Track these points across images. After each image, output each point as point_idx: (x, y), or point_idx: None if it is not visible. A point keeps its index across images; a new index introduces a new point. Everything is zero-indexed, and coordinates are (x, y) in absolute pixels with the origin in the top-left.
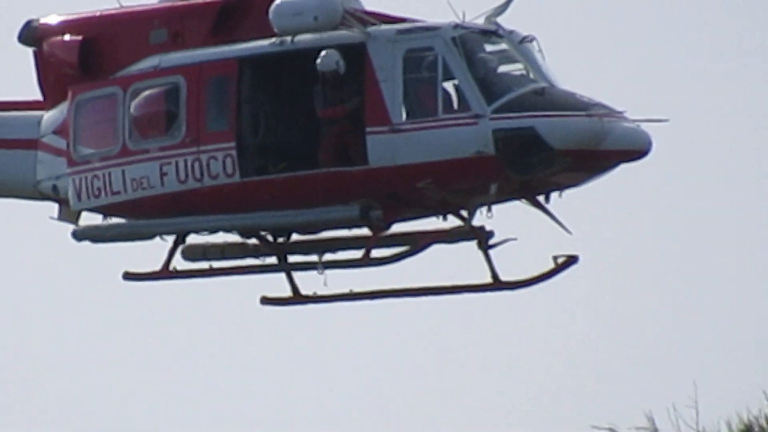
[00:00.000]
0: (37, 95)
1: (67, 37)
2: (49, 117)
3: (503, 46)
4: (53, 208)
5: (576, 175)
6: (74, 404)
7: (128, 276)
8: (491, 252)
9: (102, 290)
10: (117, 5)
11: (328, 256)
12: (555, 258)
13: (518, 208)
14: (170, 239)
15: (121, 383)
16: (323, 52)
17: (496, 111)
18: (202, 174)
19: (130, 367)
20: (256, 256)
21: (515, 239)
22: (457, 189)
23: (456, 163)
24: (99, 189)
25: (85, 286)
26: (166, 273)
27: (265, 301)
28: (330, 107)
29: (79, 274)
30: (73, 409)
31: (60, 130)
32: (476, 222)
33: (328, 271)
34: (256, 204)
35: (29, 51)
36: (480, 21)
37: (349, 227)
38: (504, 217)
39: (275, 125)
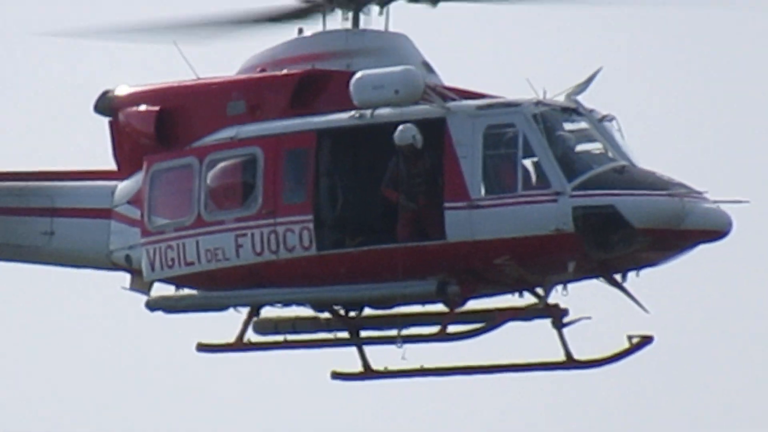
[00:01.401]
0: (110, 165)
1: (143, 107)
2: (124, 187)
3: (583, 124)
4: (125, 278)
5: (655, 255)
6: None
7: (202, 347)
8: (565, 330)
9: (175, 361)
10: (194, 76)
11: (404, 332)
12: (630, 338)
13: (594, 286)
14: (244, 311)
15: None
16: (401, 126)
17: (576, 188)
18: (278, 246)
19: None
20: (328, 330)
21: (589, 318)
22: (535, 266)
23: (535, 240)
24: (173, 259)
25: (157, 356)
26: (240, 345)
27: (336, 376)
28: (389, 189)
29: (152, 344)
30: None
31: (134, 200)
32: (551, 299)
33: (413, 346)
34: (331, 277)
35: (104, 120)
36: (560, 98)
37: (425, 302)
38: (579, 295)
39: (352, 198)
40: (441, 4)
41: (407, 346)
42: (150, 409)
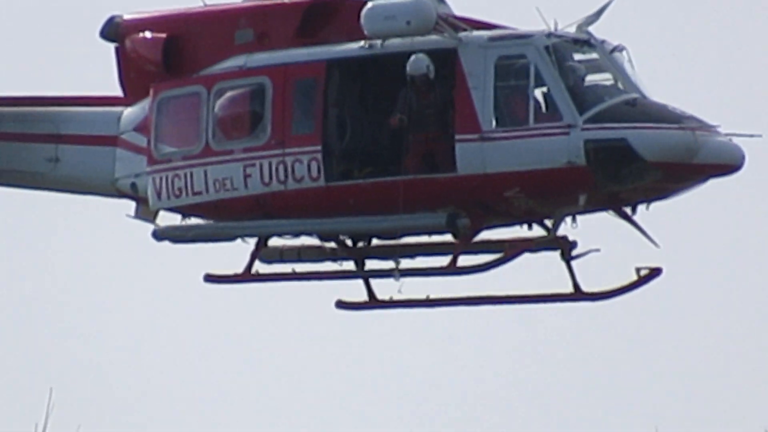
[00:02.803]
0: (116, 91)
1: (150, 35)
2: (130, 114)
3: (594, 55)
4: (130, 206)
5: (666, 188)
6: (154, 402)
7: (210, 278)
8: (574, 262)
9: (180, 289)
10: (201, 4)
11: (412, 264)
12: (638, 270)
13: (603, 219)
14: (252, 242)
15: (199, 382)
16: (414, 56)
17: (587, 121)
18: (286, 177)
19: (209, 367)
20: (334, 260)
21: (598, 250)
22: (546, 199)
23: (546, 173)
24: (180, 189)
25: (164, 285)
26: (248, 276)
27: (341, 305)
28: (395, 117)
29: (158, 273)
30: (152, 407)
31: (141, 128)
32: (560, 232)
33: (411, 279)
34: (340, 208)
35: (110, 47)
36: (571, 29)
37: (435, 234)
38: (589, 227)
39: (361, 130)
40: None
41: (418, 279)
42: (155, 340)
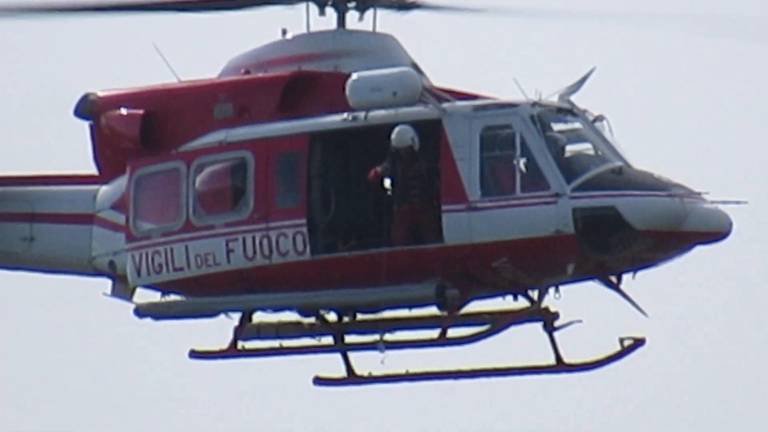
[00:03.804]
0: (91, 169)
1: (127, 111)
2: (106, 191)
3: (577, 124)
4: (107, 284)
5: (654, 256)
6: None
7: (195, 354)
8: (556, 334)
9: (161, 367)
10: (174, 80)
11: (399, 336)
12: (621, 340)
13: (586, 288)
14: (235, 316)
15: None
16: (398, 128)
17: (575, 189)
18: (271, 250)
19: None
20: (313, 336)
21: (581, 321)
22: (534, 268)
23: (534, 241)
24: (160, 265)
25: (143, 364)
26: (234, 351)
27: (319, 381)
28: (373, 170)
29: (138, 351)
30: None
31: (118, 205)
32: (543, 303)
33: (399, 351)
34: (326, 281)
35: (85, 125)
36: (554, 99)
37: (419, 306)
38: (572, 297)
39: (346, 202)
40: (413, 12)
41: (402, 351)
42: (137, 418)
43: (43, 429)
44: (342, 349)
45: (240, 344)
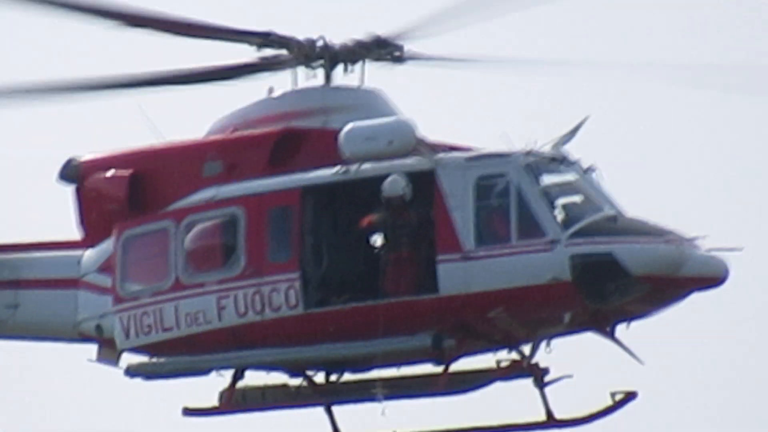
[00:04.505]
0: (75, 234)
1: (113, 173)
2: (91, 255)
3: (570, 173)
4: (92, 350)
5: (650, 303)
6: None
7: (188, 412)
8: (547, 389)
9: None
10: (157, 139)
11: (395, 386)
12: (613, 394)
13: (578, 340)
14: (227, 374)
15: None
16: (390, 177)
17: (571, 236)
18: (263, 306)
19: None
20: (298, 401)
21: (571, 376)
22: (529, 318)
23: (530, 290)
24: (149, 325)
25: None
26: (228, 407)
27: None
28: (366, 219)
29: (125, 412)
30: None
31: (104, 268)
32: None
33: (387, 405)
34: (319, 336)
35: (68, 189)
36: (547, 148)
37: (416, 360)
38: (563, 350)
39: (339, 254)
40: (406, 63)
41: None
42: None
43: None
44: (329, 405)
45: (233, 399)
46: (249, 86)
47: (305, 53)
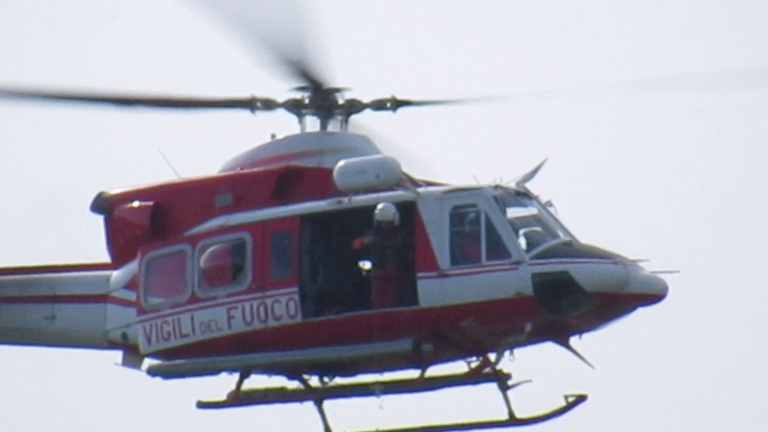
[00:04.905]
0: (104, 257)
1: (137, 204)
2: (118, 275)
3: (533, 205)
4: (118, 356)
5: (599, 318)
6: None
7: (202, 405)
8: (509, 392)
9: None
10: (176, 177)
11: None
12: (566, 397)
13: (537, 350)
14: (234, 376)
15: None
16: (381, 204)
17: (533, 258)
18: (266, 316)
19: None
20: (295, 400)
21: (530, 381)
22: (496, 327)
23: (498, 303)
24: (168, 332)
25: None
26: (236, 401)
27: None
28: (360, 239)
29: (147, 409)
30: None
31: (130, 285)
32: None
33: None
34: (315, 341)
35: (99, 219)
36: (512, 184)
37: (398, 363)
38: (524, 359)
39: (332, 271)
40: (400, 110)
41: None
42: None
43: None
44: (343, 394)
45: (240, 395)
46: (254, 131)
47: (314, 104)
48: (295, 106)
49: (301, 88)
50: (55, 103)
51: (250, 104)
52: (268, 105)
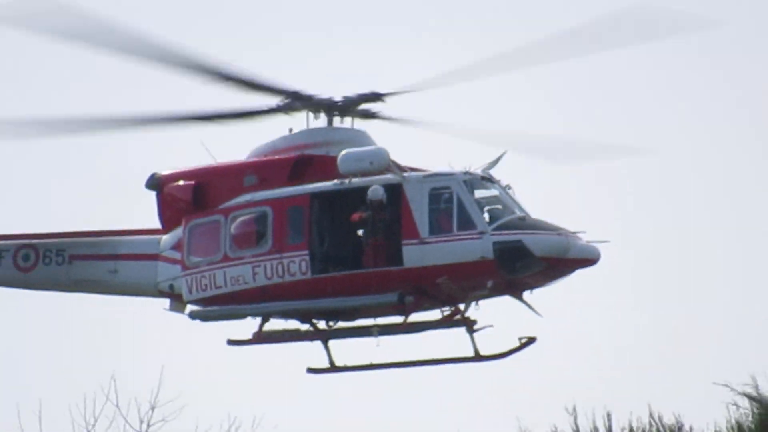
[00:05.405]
0: (156, 224)
1: (182, 183)
2: (167, 239)
3: (495, 188)
4: (166, 303)
5: (546, 277)
6: None
7: (231, 342)
8: (475, 335)
9: (205, 351)
10: (212, 160)
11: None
12: (520, 339)
13: (497, 302)
14: (257, 320)
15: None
16: (373, 186)
17: (494, 229)
18: (283, 272)
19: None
20: (306, 340)
21: (492, 326)
22: (464, 284)
23: (466, 265)
24: (205, 285)
25: (194, 350)
26: (258, 340)
27: (310, 370)
28: (357, 213)
29: (190, 341)
30: None
31: (176, 247)
32: (467, 314)
33: (363, 339)
34: (321, 293)
35: (151, 194)
36: (479, 171)
37: (386, 312)
38: (487, 309)
39: (335, 238)
40: (374, 121)
41: (365, 346)
42: (193, 387)
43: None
44: (346, 335)
45: (262, 336)
46: (275, 126)
47: (316, 106)
48: (309, 107)
49: (314, 98)
50: (130, 127)
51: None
52: (299, 99)
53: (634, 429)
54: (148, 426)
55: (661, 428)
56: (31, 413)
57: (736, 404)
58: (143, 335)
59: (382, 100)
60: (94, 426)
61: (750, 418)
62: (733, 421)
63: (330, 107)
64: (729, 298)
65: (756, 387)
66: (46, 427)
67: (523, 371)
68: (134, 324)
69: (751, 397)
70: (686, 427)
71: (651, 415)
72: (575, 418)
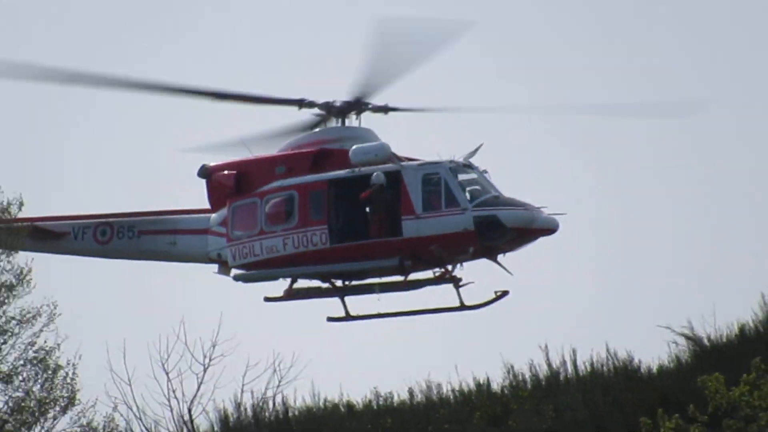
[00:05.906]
0: (206, 205)
1: (226, 172)
2: (215, 217)
3: (474, 173)
4: (215, 267)
5: (516, 243)
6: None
7: (268, 299)
8: (460, 289)
9: (245, 305)
10: (249, 154)
11: (378, 282)
12: (495, 292)
13: (477, 264)
14: (287, 280)
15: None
16: (375, 173)
17: (474, 207)
18: (308, 243)
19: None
20: (327, 296)
21: (473, 282)
22: (451, 250)
23: (452, 235)
24: (246, 254)
25: (237, 304)
26: (288, 297)
27: (330, 318)
28: (365, 193)
29: (236, 298)
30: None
31: (222, 223)
32: (454, 273)
33: (371, 295)
34: (338, 259)
35: (202, 182)
36: (461, 159)
37: (389, 273)
38: (469, 269)
39: (348, 216)
40: (391, 113)
41: (381, 295)
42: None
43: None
44: (354, 293)
45: (291, 293)
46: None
47: (330, 109)
48: (326, 109)
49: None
50: (173, 95)
51: (299, 103)
52: (311, 105)
53: (595, 362)
54: (210, 360)
55: (616, 362)
56: (117, 350)
57: (675, 342)
58: (201, 292)
59: (368, 104)
60: (167, 360)
61: (686, 354)
62: (673, 356)
63: (339, 110)
64: (670, 256)
65: (691, 328)
66: (130, 361)
67: (503, 319)
68: (195, 284)
69: (687, 337)
70: (636, 360)
71: (608, 351)
72: (547, 354)
